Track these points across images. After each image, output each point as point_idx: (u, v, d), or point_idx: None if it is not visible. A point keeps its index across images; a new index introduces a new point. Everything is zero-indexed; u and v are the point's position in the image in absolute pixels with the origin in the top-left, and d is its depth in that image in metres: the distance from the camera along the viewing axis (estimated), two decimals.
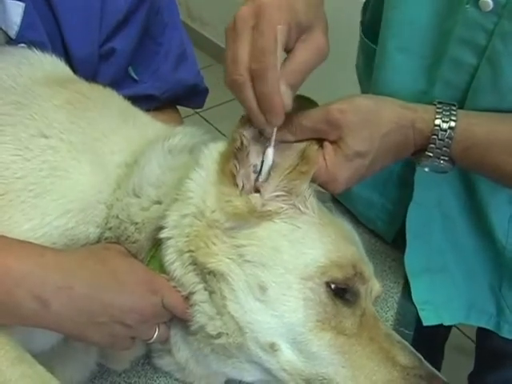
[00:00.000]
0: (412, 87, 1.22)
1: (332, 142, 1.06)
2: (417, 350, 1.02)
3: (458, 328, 2.57)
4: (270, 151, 1.00)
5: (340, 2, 2.77)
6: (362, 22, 1.51)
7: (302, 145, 1.03)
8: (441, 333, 2.03)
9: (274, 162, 1.01)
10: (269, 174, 1.01)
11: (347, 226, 1.11)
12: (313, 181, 1.05)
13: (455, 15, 1.12)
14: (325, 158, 1.05)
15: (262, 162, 1.01)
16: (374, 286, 1.06)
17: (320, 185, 1.07)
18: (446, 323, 1.42)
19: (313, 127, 1.05)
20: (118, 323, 0.94)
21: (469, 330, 2.36)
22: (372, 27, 1.43)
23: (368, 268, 1.05)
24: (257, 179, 1.02)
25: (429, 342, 1.75)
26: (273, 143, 1.00)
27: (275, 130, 0.99)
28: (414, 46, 1.20)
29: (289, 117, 1.00)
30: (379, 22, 1.31)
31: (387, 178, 1.41)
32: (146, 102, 1.33)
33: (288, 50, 0.97)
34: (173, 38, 1.44)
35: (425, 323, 1.37)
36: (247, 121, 0.99)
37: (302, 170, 1.02)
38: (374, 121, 1.07)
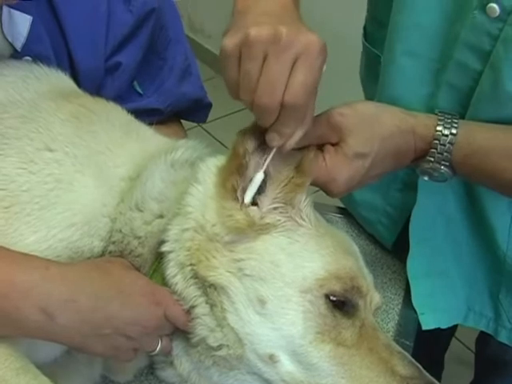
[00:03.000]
0: (419, 90, 1.23)
1: (333, 145, 1.08)
2: (416, 360, 1.02)
3: (457, 339, 2.56)
4: (260, 176, 1.01)
5: (345, 12, 2.79)
6: (365, 28, 1.52)
7: (298, 156, 1.04)
8: (441, 343, 2.03)
9: (266, 178, 1.02)
10: (259, 191, 1.02)
11: (345, 237, 1.12)
12: (313, 183, 1.06)
13: (463, 20, 1.13)
14: (325, 159, 1.06)
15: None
16: (373, 298, 1.06)
17: (320, 187, 1.08)
18: (444, 326, 1.42)
19: (315, 132, 1.05)
20: (122, 335, 0.95)
21: (469, 341, 2.35)
22: (374, 32, 1.45)
23: (366, 282, 1.05)
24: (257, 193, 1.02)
25: (428, 352, 1.76)
26: (264, 168, 1.00)
27: (271, 155, 0.99)
28: (422, 49, 1.21)
29: None
30: (381, 26, 1.32)
31: (391, 182, 1.41)
32: (150, 116, 1.34)
33: None
34: (177, 52, 1.45)
35: (424, 327, 1.37)
36: (250, 135, 1.00)
37: (297, 182, 1.03)
38: (375, 124, 1.09)
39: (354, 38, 1.56)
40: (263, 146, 1.01)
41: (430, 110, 1.21)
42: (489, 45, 1.11)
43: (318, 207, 1.09)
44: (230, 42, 0.92)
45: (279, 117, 0.94)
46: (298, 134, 0.97)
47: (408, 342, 1.29)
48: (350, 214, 1.58)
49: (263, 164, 1.00)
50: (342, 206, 1.61)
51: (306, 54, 0.90)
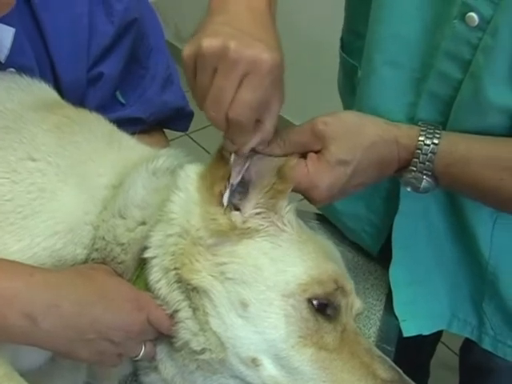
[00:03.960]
0: (399, 100, 1.24)
1: (316, 152, 1.10)
2: (400, 366, 1.04)
3: (444, 344, 2.57)
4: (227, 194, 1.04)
5: (326, 20, 2.81)
6: (342, 38, 1.54)
7: (280, 162, 1.06)
8: (426, 349, 2.04)
9: (248, 183, 1.05)
10: (242, 196, 1.05)
11: (327, 242, 1.14)
12: (295, 189, 1.08)
13: (443, 29, 1.14)
14: (307, 165, 1.09)
15: (239, 182, 1.04)
16: (354, 303, 1.08)
17: (302, 193, 1.10)
18: (426, 333, 1.43)
19: (299, 140, 1.09)
20: (106, 340, 0.96)
21: (455, 346, 2.36)
22: (351, 43, 1.46)
23: (349, 282, 1.07)
24: (240, 198, 1.05)
25: (413, 358, 1.77)
26: (239, 178, 1.04)
27: (246, 166, 1.03)
28: (402, 59, 1.22)
29: (276, 131, 1.04)
30: (359, 37, 1.34)
31: (373, 191, 1.43)
32: (133, 125, 1.36)
33: None
34: (159, 61, 1.47)
35: (405, 334, 1.39)
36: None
37: (279, 188, 1.05)
38: (358, 132, 1.11)
39: (335, 46, 1.58)
40: (248, 153, 1.03)
41: (411, 119, 1.23)
42: (468, 54, 1.13)
43: (299, 214, 1.10)
44: (187, 50, 0.96)
45: (228, 127, 0.97)
46: (252, 142, 1.00)
47: (389, 348, 1.31)
48: (330, 221, 1.59)
49: (240, 172, 1.03)
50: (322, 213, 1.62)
51: (253, 73, 0.92)
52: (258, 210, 1.05)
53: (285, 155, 1.07)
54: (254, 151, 1.04)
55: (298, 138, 1.09)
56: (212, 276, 1.00)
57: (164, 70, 1.48)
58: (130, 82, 1.43)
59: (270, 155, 1.07)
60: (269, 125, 1.01)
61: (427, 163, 1.11)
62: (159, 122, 1.50)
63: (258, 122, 1.00)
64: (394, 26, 1.20)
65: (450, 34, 1.13)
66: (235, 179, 1.04)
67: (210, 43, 0.92)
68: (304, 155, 1.11)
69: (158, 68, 1.46)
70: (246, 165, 1.04)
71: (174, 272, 1.01)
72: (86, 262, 1.06)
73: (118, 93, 1.42)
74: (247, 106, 0.94)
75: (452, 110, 1.18)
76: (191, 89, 0.99)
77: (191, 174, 1.08)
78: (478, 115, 1.15)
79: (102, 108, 1.31)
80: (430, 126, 1.14)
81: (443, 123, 1.19)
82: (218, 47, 0.92)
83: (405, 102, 1.24)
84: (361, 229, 1.51)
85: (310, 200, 1.13)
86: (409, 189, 1.16)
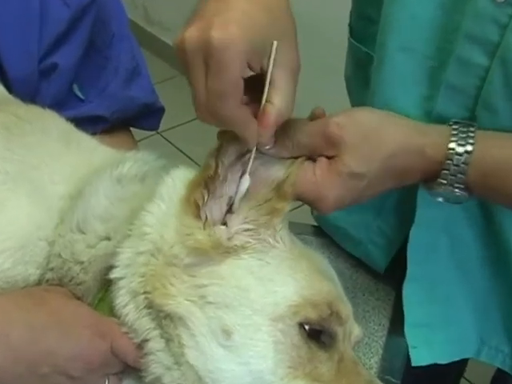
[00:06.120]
0: (414, 92, 1.23)
1: (327, 158, 1.09)
2: None
3: (466, 379, 2.55)
4: (246, 178, 1.03)
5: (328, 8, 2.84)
6: (350, 25, 1.53)
7: (280, 174, 1.06)
8: None
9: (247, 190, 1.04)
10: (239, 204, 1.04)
11: (323, 260, 1.14)
12: (299, 199, 1.08)
13: (463, 8, 1.13)
14: (315, 174, 1.08)
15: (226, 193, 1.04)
16: (353, 329, 1.08)
17: (307, 203, 1.10)
18: (442, 362, 1.42)
19: (309, 142, 1.08)
20: (62, 374, 0.95)
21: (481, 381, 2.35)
22: (362, 29, 1.46)
23: (346, 307, 1.06)
24: (228, 211, 1.04)
25: None
26: (249, 170, 1.03)
27: (252, 156, 1.02)
28: (416, 44, 1.21)
29: (284, 131, 1.04)
30: (371, 21, 1.35)
31: (385, 196, 1.39)
32: (94, 124, 1.37)
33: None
34: (122, 50, 1.47)
35: (414, 363, 1.38)
36: (228, 147, 1.02)
37: (277, 206, 1.05)
38: (377, 140, 1.10)
39: (340, 35, 1.59)
40: (243, 160, 1.03)
41: (428, 113, 1.21)
42: (496, 35, 1.10)
43: (291, 227, 1.10)
44: (179, 36, 0.97)
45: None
46: (266, 134, 1.01)
47: (394, 380, 1.31)
48: (326, 234, 1.59)
49: (246, 169, 1.03)
50: (317, 224, 1.62)
51: (209, 57, 0.94)
52: (246, 226, 1.04)
53: (292, 157, 1.07)
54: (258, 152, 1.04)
55: (308, 140, 1.07)
56: (189, 301, 0.99)
57: (129, 60, 1.48)
58: (90, 75, 1.43)
59: (278, 158, 1.07)
60: (279, 103, 1.00)
61: (459, 175, 1.09)
62: (124, 120, 1.50)
63: (268, 102, 0.99)
64: (409, 6, 1.19)
65: (472, 12, 1.11)
66: (224, 189, 1.04)
67: (178, 40, 0.96)
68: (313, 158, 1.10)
69: (121, 58, 1.47)
70: (239, 173, 1.04)
71: (143, 296, 1.00)
72: (39, 283, 1.05)
73: (75, 86, 1.42)
74: (219, 97, 0.94)
75: (478, 105, 1.16)
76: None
77: (177, 180, 1.07)
78: (510, 108, 1.13)
79: (58, 105, 1.30)
80: (462, 129, 1.11)
81: (468, 119, 1.16)
82: (179, 42, 0.96)
83: (420, 94, 1.23)
84: (368, 239, 1.50)
85: (317, 210, 1.13)
86: (441, 199, 1.15)
